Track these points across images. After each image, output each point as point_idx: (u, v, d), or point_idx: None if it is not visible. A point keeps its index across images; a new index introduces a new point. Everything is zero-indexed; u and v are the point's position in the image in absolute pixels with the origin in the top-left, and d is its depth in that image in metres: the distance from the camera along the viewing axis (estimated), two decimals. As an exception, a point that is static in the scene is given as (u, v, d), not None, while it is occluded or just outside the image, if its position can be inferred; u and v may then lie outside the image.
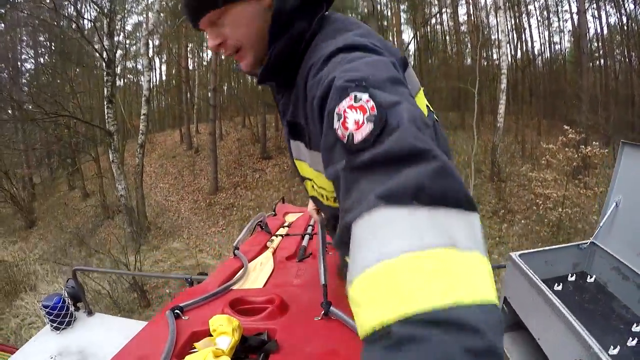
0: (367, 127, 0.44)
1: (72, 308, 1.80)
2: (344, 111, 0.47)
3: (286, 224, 2.44)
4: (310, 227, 2.26)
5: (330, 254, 1.62)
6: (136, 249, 8.30)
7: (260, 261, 1.72)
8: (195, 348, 0.93)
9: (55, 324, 1.74)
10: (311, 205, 1.29)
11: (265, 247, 1.91)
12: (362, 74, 0.50)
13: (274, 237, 2.08)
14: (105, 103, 9.91)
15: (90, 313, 1.87)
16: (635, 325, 1.62)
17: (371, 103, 0.45)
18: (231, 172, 13.29)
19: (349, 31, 0.67)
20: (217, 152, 12.39)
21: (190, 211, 10.87)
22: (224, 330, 0.92)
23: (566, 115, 13.22)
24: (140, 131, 10.62)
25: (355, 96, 0.47)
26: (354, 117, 0.46)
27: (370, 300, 0.35)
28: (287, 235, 2.11)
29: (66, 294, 1.77)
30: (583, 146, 8.57)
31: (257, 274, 1.58)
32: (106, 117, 9.92)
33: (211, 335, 0.94)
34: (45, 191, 15.70)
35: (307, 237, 2.02)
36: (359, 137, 0.44)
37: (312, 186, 0.88)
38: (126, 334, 1.25)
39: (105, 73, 9.85)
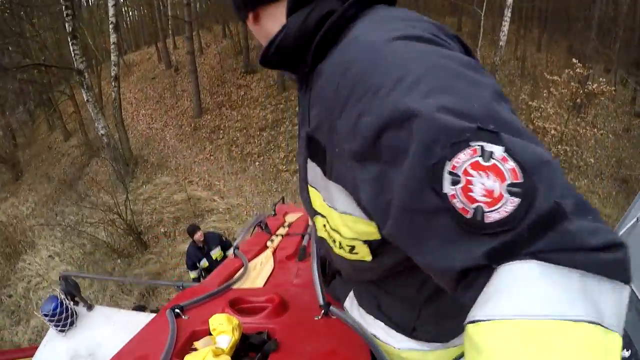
0: (510, 205, 0.33)
1: (71, 307, 1.71)
2: (465, 172, 0.34)
3: (286, 223, 2.40)
4: (310, 227, 2.11)
5: None
6: (124, 192, 7.83)
7: (260, 261, 1.70)
8: (195, 347, 0.93)
9: (59, 327, 1.67)
10: None
11: (265, 247, 1.89)
12: (465, 98, 0.36)
13: (274, 237, 2.03)
14: (69, 40, 8.62)
15: (90, 307, 1.78)
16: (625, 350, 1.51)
17: (511, 164, 0.33)
18: (214, 90, 12.11)
19: (404, 20, 0.49)
20: (197, 73, 11.08)
21: (176, 138, 10.12)
22: (224, 329, 0.90)
23: (572, 46, 12.09)
24: (112, 62, 9.48)
25: (483, 150, 0.33)
26: (484, 185, 0.33)
27: (504, 354, 0.31)
28: (287, 235, 2.08)
29: (62, 295, 1.69)
30: (590, 82, 7.76)
31: (257, 274, 1.58)
32: (73, 55, 8.73)
33: (211, 335, 0.93)
34: (26, 138, 14.90)
35: (307, 236, 1.93)
36: (495, 216, 0.33)
37: (324, 225, 0.65)
38: (131, 328, 1.25)
39: (64, 7, 8.26)
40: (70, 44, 8.66)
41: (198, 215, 7.88)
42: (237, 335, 0.90)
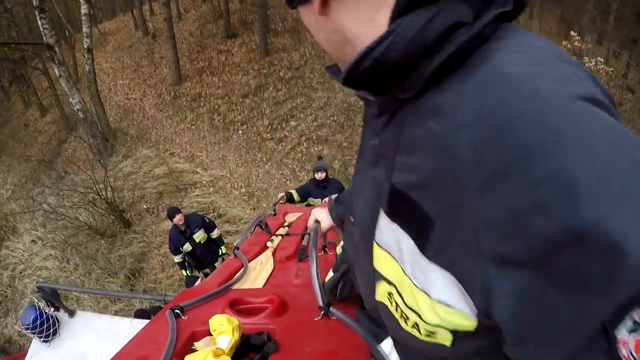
0: None
1: (52, 315, 1.66)
2: None
3: (286, 223, 2.39)
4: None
5: (330, 254, 1.66)
6: (103, 167, 7.31)
7: (260, 261, 1.68)
8: (195, 348, 0.90)
9: (42, 338, 1.61)
10: (312, 218, 1.20)
11: (265, 247, 1.88)
12: None
13: (273, 237, 2.05)
14: (37, 14, 7.87)
15: (71, 314, 1.75)
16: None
17: None
18: (194, 57, 11.29)
19: (558, 57, 0.35)
20: (175, 39, 10.26)
21: (155, 108, 9.48)
22: (224, 330, 0.89)
23: (564, 14, 11.24)
24: (85, 34, 8.73)
25: None
26: None
27: None
28: (287, 235, 2.09)
29: (42, 304, 1.65)
30: (587, 57, 7.15)
31: (257, 274, 1.54)
32: (42, 30, 8.00)
33: (211, 335, 0.92)
34: (2, 116, 14.09)
35: (307, 237, 1.95)
36: None
37: (389, 294, 0.51)
38: (115, 336, 1.37)
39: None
40: (38, 18, 7.93)
41: (181, 189, 7.44)
42: (237, 335, 0.89)
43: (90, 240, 7.05)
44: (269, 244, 1.96)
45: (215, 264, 5.10)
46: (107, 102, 10.17)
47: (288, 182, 7.38)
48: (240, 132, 8.42)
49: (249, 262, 1.64)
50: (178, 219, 4.41)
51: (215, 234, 4.89)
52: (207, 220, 4.79)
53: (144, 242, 6.70)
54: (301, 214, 2.69)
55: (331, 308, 1.00)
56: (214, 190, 7.31)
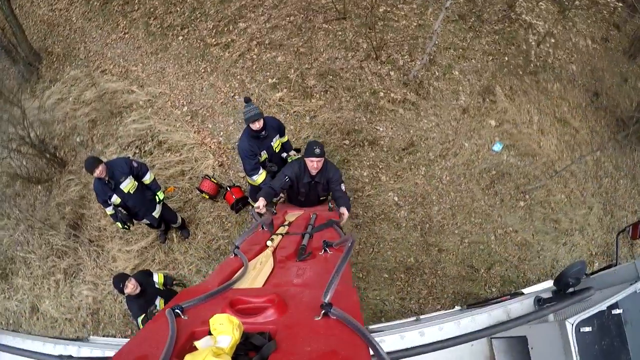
0: None
1: None
2: None
3: (286, 223, 2.46)
4: (310, 227, 2.24)
5: (330, 253, 1.60)
6: (32, 98, 5.62)
7: (260, 260, 1.61)
8: (195, 347, 0.86)
9: None
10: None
11: (265, 246, 1.82)
12: None
13: (273, 236, 2.00)
14: None
15: None
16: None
17: None
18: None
19: None
20: None
21: (83, 17, 7.38)
22: (225, 329, 0.84)
23: None
24: None
25: None
26: None
27: None
28: (287, 234, 2.06)
29: None
30: None
31: (257, 273, 1.46)
32: None
33: (211, 334, 0.86)
34: None
35: (307, 236, 1.93)
36: None
37: None
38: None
39: None
40: None
41: (115, 114, 5.90)
42: (237, 335, 0.84)
43: (26, 188, 5.75)
44: (269, 243, 1.88)
45: (154, 213, 4.06)
46: (29, 17, 7.92)
47: (236, 97, 5.80)
48: (181, 37, 6.52)
49: (249, 261, 1.53)
50: (99, 172, 3.51)
51: (147, 178, 3.88)
52: (136, 165, 3.76)
53: (81, 183, 5.43)
54: (301, 212, 2.72)
55: (332, 308, 0.92)
56: (152, 111, 5.79)
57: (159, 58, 6.36)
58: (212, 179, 5.05)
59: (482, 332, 1.09)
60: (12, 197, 5.62)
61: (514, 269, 5.01)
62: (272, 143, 3.73)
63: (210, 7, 6.91)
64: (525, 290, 3.60)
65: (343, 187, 3.14)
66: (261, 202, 2.65)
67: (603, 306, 1.58)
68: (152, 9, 7.07)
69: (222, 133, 5.56)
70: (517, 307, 2.19)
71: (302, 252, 1.70)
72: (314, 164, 2.91)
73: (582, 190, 5.60)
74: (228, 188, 4.96)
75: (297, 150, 4.19)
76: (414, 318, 3.46)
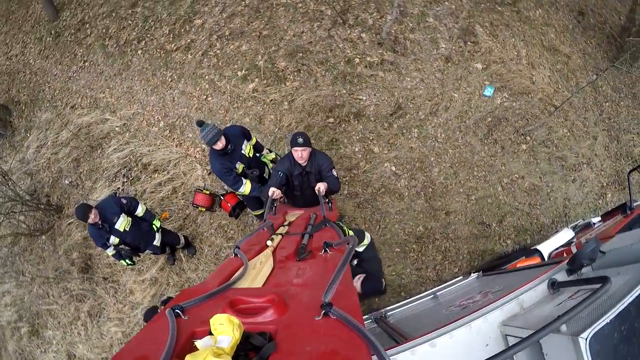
0: None
1: None
2: None
3: (286, 223, 2.35)
4: (310, 227, 2.07)
5: (330, 254, 1.52)
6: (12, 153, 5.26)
7: (260, 260, 1.54)
8: (196, 346, 0.83)
9: None
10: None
11: (265, 246, 1.73)
12: None
13: (273, 236, 1.90)
14: None
15: None
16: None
17: None
18: (65, -24, 7.74)
19: None
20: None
21: (40, 57, 6.82)
22: (225, 329, 0.81)
23: None
24: None
25: None
26: None
27: None
28: (286, 234, 1.95)
29: None
30: None
31: (257, 273, 1.41)
32: None
33: (212, 334, 0.83)
34: None
35: (307, 236, 1.82)
36: None
37: None
38: None
39: None
40: None
41: (95, 147, 5.51)
42: (237, 335, 0.81)
43: (31, 243, 5.52)
44: (269, 243, 1.79)
45: (155, 242, 3.81)
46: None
47: (210, 99, 5.29)
48: (140, 51, 5.92)
49: (249, 261, 1.47)
50: (92, 218, 3.28)
51: (140, 211, 3.64)
52: (125, 201, 3.61)
53: (81, 225, 5.16)
54: (301, 212, 2.67)
55: (332, 307, 0.89)
56: (130, 135, 5.36)
57: (124, 78, 5.82)
58: (205, 191, 4.69)
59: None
60: (20, 254, 5.44)
61: (526, 216, 4.60)
62: (242, 152, 3.40)
63: (161, 12, 6.22)
64: (540, 247, 3.24)
65: (334, 173, 3.09)
66: (273, 189, 2.79)
67: (620, 307, 1.31)
68: (104, 30, 6.42)
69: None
70: (531, 295, 1.83)
71: (302, 252, 1.63)
72: (299, 154, 2.86)
73: (583, 120, 5.01)
74: (222, 197, 4.61)
75: (269, 150, 3.98)
76: (431, 296, 3.17)
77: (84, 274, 4.90)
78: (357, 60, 5.33)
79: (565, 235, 3.31)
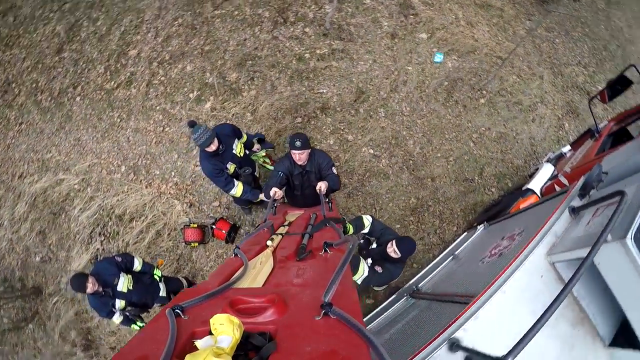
0: None
1: None
2: None
3: (286, 223, 2.28)
4: (310, 227, 2.03)
5: (330, 253, 1.48)
6: None
7: (260, 260, 1.52)
8: (196, 346, 0.80)
9: None
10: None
11: (265, 246, 1.70)
12: None
13: (273, 236, 1.85)
14: None
15: None
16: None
17: None
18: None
19: None
20: None
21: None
22: (225, 329, 0.78)
23: None
24: None
25: None
26: None
27: None
28: (287, 234, 1.89)
29: None
30: None
31: (257, 273, 1.38)
32: None
33: (212, 334, 0.80)
34: None
35: (307, 236, 1.78)
36: None
37: None
38: None
39: None
40: None
41: (58, 212, 4.86)
42: (238, 335, 0.79)
43: (19, 335, 4.77)
44: (269, 243, 1.75)
45: (161, 294, 3.43)
46: None
47: (167, 129, 4.83)
48: (78, 98, 5.29)
49: (249, 261, 1.44)
50: (91, 287, 2.84)
51: (137, 265, 3.25)
52: (120, 259, 3.18)
53: (68, 300, 4.55)
54: (301, 212, 2.62)
55: (332, 307, 0.87)
56: (92, 190, 4.77)
57: (68, 130, 5.17)
58: (192, 225, 4.29)
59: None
60: (11, 353, 4.67)
61: (501, 163, 4.69)
62: (234, 151, 3.19)
63: (91, 51, 5.58)
64: (531, 186, 3.26)
65: (334, 170, 3.00)
66: (275, 189, 2.71)
67: None
68: (33, 85, 5.67)
69: (173, 173, 4.67)
70: (560, 225, 1.87)
71: (302, 252, 1.58)
72: (296, 156, 2.78)
73: (528, 64, 5.17)
74: (213, 226, 4.23)
75: (260, 141, 3.74)
76: (450, 257, 3.08)
77: (88, 351, 4.31)
78: (307, 55, 5.10)
79: (547, 170, 3.36)
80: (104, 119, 5.06)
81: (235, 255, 1.53)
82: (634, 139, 2.30)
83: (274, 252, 1.62)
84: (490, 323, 1.46)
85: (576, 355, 1.54)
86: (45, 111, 5.43)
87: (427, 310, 2.14)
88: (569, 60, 5.35)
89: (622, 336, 1.54)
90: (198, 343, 0.81)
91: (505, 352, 0.97)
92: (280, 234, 1.97)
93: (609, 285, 1.44)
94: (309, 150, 2.83)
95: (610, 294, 1.52)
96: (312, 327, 0.86)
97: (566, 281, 1.62)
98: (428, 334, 1.59)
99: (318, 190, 2.72)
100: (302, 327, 0.87)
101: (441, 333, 1.43)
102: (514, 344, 0.93)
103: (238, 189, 3.22)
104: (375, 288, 3.91)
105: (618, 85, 2.96)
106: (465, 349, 1.33)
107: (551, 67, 5.24)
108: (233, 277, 1.28)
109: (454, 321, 1.47)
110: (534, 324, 1.00)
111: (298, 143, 2.71)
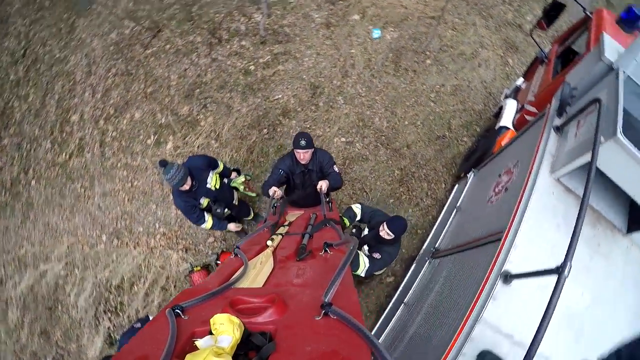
0: None
1: None
2: None
3: (286, 223, 2.21)
4: (310, 227, 2.00)
5: (330, 254, 1.45)
6: None
7: (260, 260, 1.48)
8: (196, 346, 0.78)
9: None
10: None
11: (265, 246, 1.67)
12: None
13: (273, 236, 1.83)
14: None
15: None
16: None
17: None
18: None
19: None
20: None
21: None
22: (225, 329, 0.76)
23: None
24: None
25: None
26: None
27: None
28: (287, 234, 1.85)
29: None
30: None
31: (257, 273, 1.35)
32: None
33: (212, 334, 0.78)
34: None
35: (307, 236, 1.75)
36: None
37: None
38: None
39: None
40: None
41: (53, 306, 4.46)
42: (238, 335, 0.77)
43: None
44: (269, 243, 1.72)
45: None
46: None
47: (136, 182, 4.55)
48: (33, 182, 4.88)
49: (249, 261, 1.41)
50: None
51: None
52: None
53: None
54: (301, 213, 2.53)
55: (332, 307, 0.84)
56: (80, 270, 4.43)
57: (34, 219, 4.76)
58: (196, 268, 4.08)
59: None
60: None
61: (464, 113, 4.80)
62: (208, 185, 3.01)
63: (31, 129, 5.16)
64: (503, 124, 3.34)
65: (336, 168, 2.93)
66: (274, 189, 2.61)
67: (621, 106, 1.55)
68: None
69: (157, 225, 4.42)
70: (551, 145, 1.95)
71: (302, 252, 1.56)
72: (300, 155, 2.67)
73: (458, 16, 5.31)
74: (217, 262, 4.04)
75: (237, 170, 3.54)
76: (454, 211, 3.09)
77: None
78: (252, 67, 4.97)
79: (511, 105, 3.46)
80: (67, 194, 4.69)
81: (236, 255, 1.50)
82: (587, 53, 2.37)
83: (274, 252, 1.60)
84: (527, 247, 1.53)
85: (604, 251, 1.63)
86: (3, 207, 4.96)
87: (458, 263, 2.14)
88: (494, 1, 5.55)
89: (634, 222, 1.67)
90: (198, 343, 0.80)
91: (554, 266, 1.00)
92: (280, 234, 1.94)
93: (613, 180, 1.52)
94: (312, 150, 2.72)
95: (611, 189, 1.59)
96: (312, 327, 0.84)
97: (573, 190, 1.73)
98: (472, 282, 1.63)
99: (319, 190, 2.65)
100: (302, 327, 0.85)
101: (489, 274, 1.47)
102: (564, 255, 0.96)
103: (208, 223, 3.10)
104: (376, 273, 3.89)
105: (552, 12, 3.07)
106: (517, 276, 1.37)
107: (480, 13, 5.41)
108: (233, 277, 1.26)
109: (497, 258, 1.51)
110: (573, 232, 1.03)
111: (303, 142, 2.60)
